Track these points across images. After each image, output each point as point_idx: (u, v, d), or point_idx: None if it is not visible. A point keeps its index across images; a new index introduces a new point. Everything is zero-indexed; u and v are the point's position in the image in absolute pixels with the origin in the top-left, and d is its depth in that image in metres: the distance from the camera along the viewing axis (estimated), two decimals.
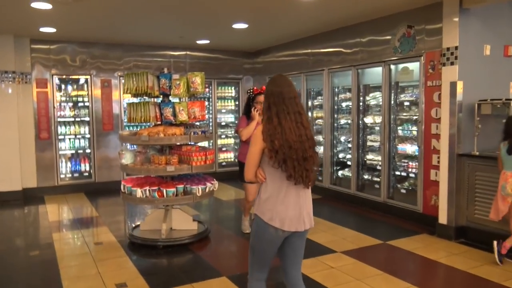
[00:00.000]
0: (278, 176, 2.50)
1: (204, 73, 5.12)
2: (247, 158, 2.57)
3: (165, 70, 5.18)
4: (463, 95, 5.09)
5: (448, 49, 5.15)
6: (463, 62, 5.06)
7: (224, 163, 9.97)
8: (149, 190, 4.86)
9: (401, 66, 6.16)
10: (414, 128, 6.18)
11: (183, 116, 4.97)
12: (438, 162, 5.50)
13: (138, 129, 5.41)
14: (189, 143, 4.99)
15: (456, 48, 5.04)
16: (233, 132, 10.11)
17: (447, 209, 5.23)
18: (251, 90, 5.14)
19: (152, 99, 5.31)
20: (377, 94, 6.87)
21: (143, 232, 5.25)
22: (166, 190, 4.83)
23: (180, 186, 4.94)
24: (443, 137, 5.24)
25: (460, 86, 5.06)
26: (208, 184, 5.14)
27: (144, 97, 5.28)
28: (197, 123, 5.36)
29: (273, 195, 2.50)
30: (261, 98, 4.74)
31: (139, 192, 4.84)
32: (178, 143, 4.94)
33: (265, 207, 2.52)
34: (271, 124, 2.45)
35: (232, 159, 10.11)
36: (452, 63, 5.10)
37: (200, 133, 5.01)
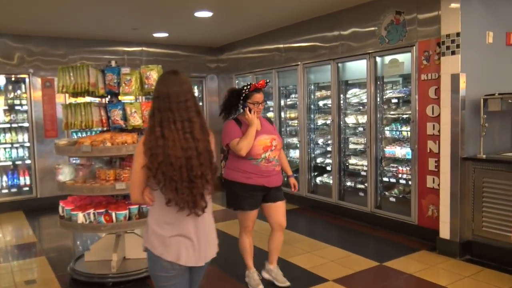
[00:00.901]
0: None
1: (161, 66, 4.17)
2: (131, 177, 2.27)
3: (113, 63, 4.19)
4: (467, 89, 4.39)
5: (447, 36, 4.44)
6: (465, 52, 4.37)
7: None
8: (93, 213, 3.85)
9: (388, 58, 5.42)
10: (404, 128, 5.47)
11: (136, 120, 4.00)
12: (436, 167, 4.80)
13: (80, 137, 4.38)
14: None
15: (458, 34, 4.34)
16: None
17: (449, 221, 4.52)
18: (248, 86, 3.55)
19: (97, 99, 4.31)
20: (361, 90, 6.13)
21: (88, 264, 4.23)
22: (115, 213, 3.84)
23: (134, 207, 3.97)
24: (444, 138, 4.53)
25: (463, 78, 4.36)
26: None
27: (87, 97, 4.27)
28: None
29: (163, 222, 2.10)
30: (260, 97, 3.57)
31: (80, 217, 3.83)
32: (130, 154, 3.96)
33: (154, 238, 2.11)
34: (153, 135, 2.02)
35: None
36: (453, 53, 4.39)
37: None
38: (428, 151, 4.89)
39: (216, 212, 6.31)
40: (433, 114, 4.81)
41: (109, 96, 4.20)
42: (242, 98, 3.59)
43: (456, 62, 4.36)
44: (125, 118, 4.01)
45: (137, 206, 3.97)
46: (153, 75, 4.03)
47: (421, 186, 5.02)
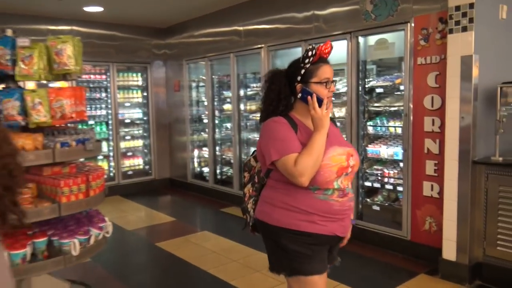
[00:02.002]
0: None
1: (80, 38, 2.94)
2: None
3: (8, 32, 2.90)
4: (479, 75, 3.51)
5: (457, 8, 3.52)
6: (478, 28, 3.48)
7: (130, 172, 7.69)
8: None
9: (375, 38, 4.47)
10: (392, 123, 4.56)
11: (40, 115, 2.76)
12: (436, 171, 3.92)
13: None
14: (54, 162, 2.79)
15: (472, 6, 3.43)
16: (141, 131, 7.86)
17: (456, 239, 3.65)
18: (313, 52, 1.96)
19: None
20: (337, 78, 5.15)
21: None
22: (9, 254, 2.60)
23: (41, 241, 2.75)
24: (450, 137, 3.64)
25: (476, 62, 3.47)
26: (94, 231, 2.99)
27: None
28: (70, 126, 3.15)
29: None
30: (331, 71, 2.03)
31: None
32: (32, 164, 2.72)
33: None
34: None
35: (141, 166, 7.87)
36: (464, 29, 3.49)
37: (74, 143, 2.84)
38: (426, 151, 4.00)
39: (161, 226, 5.17)
40: (432, 106, 3.92)
41: None
42: (299, 78, 1.99)
43: (468, 41, 3.46)
44: (24, 112, 2.76)
45: (44, 238, 2.75)
46: (67, 49, 2.80)
47: (416, 193, 4.13)
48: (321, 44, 1.98)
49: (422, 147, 4.03)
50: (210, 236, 5.07)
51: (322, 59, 2.00)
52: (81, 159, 3.61)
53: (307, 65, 1.96)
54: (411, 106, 4.09)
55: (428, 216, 4.03)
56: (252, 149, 6.24)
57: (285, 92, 2.02)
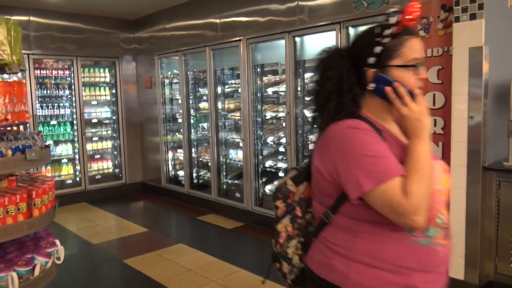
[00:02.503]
0: None
1: (16, 21, 2.37)
2: None
3: None
4: (490, 69, 3.10)
5: None
6: (489, 16, 3.06)
7: (98, 176, 7.07)
8: None
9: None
10: None
11: None
12: None
13: None
14: None
15: None
16: (110, 131, 7.24)
17: (464, 255, 3.24)
18: (394, 16, 1.26)
19: None
20: None
21: None
22: None
23: (25, 270, 2.19)
24: (457, 139, 3.21)
25: (486, 54, 3.05)
26: (40, 259, 2.43)
27: None
28: (7, 128, 2.57)
29: None
30: (419, 46, 1.32)
31: None
32: None
33: None
34: None
35: (111, 169, 7.25)
36: (473, 17, 3.06)
37: (10, 152, 2.26)
38: None
39: (131, 239, 4.58)
40: (434, 105, 3.49)
41: None
42: (372, 60, 1.32)
43: (478, 31, 3.04)
44: None
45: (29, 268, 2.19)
46: None
47: None
48: (407, 5, 1.26)
49: None
50: (186, 250, 4.54)
51: (408, 30, 1.30)
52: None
53: (386, 40, 1.29)
54: None
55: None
56: (233, 152, 5.74)
57: (349, 81, 1.32)
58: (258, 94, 5.31)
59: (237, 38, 5.24)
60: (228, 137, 5.95)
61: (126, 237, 5.04)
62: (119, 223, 5.70)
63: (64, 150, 6.76)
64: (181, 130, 6.50)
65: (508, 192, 3.08)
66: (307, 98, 4.89)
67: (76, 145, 6.76)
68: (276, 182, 5.29)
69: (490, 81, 3.12)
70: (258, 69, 5.30)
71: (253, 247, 4.74)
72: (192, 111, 6.44)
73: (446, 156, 3.42)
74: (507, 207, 3.09)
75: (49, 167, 6.57)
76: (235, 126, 6.01)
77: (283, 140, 5.07)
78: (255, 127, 5.29)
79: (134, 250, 4.59)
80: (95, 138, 7.06)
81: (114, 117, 7.23)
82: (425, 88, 3.45)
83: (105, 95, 7.16)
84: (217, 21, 5.57)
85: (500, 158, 3.23)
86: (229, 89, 6.00)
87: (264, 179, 5.44)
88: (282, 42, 4.72)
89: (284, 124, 5.03)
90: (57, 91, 6.64)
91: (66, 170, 6.76)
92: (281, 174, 5.20)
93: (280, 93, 5.17)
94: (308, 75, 4.91)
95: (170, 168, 6.98)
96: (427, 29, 3.49)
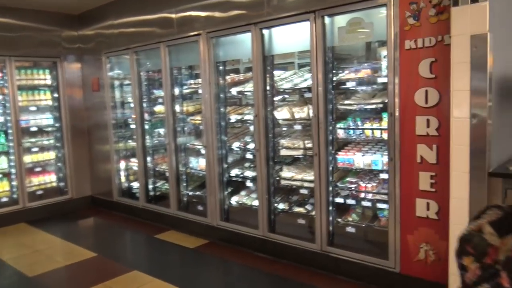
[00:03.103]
0: None
1: None
2: None
3: None
4: (494, 61, 2.69)
5: None
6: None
7: (40, 192, 6.22)
8: None
9: (346, 18, 3.54)
10: (369, 124, 3.67)
11: None
12: (433, 185, 3.09)
13: None
14: None
15: None
16: (53, 141, 6.41)
17: None
18: None
19: None
20: (299, 70, 4.22)
21: None
22: None
23: None
24: (458, 142, 2.77)
25: (491, 43, 2.64)
26: None
27: None
28: None
29: None
30: None
31: None
32: None
33: None
34: None
35: (54, 183, 6.42)
36: (474, 0, 2.65)
37: None
38: (419, 160, 3.14)
39: (77, 267, 3.88)
40: (427, 102, 3.06)
41: None
42: None
43: (481, 15, 2.61)
44: None
45: None
46: None
47: (406, 214, 3.26)
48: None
49: (413, 155, 3.17)
50: (143, 278, 3.87)
51: None
52: None
53: None
54: (398, 102, 3.21)
55: (424, 242, 3.18)
56: (193, 160, 5.13)
57: None
58: (221, 95, 4.73)
59: (196, 32, 4.64)
60: (188, 144, 5.33)
61: (71, 266, 4.30)
62: (64, 248, 4.92)
63: None
64: (135, 136, 5.79)
65: None
66: (276, 98, 4.39)
67: (12, 157, 5.90)
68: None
69: (494, 75, 2.71)
70: (221, 67, 4.72)
71: (220, 270, 4.15)
72: (146, 115, 5.75)
73: (442, 161, 3.00)
74: None
75: None
76: (195, 131, 5.40)
77: (250, 146, 4.52)
78: (218, 132, 4.71)
79: (79, 282, 3.88)
80: (35, 149, 6.21)
81: (57, 124, 6.40)
82: (416, 83, 3.02)
83: (46, 99, 6.32)
84: (173, 16, 4.94)
85: (503, 161, 2.84)
86: (187, 90, 5.38)
87: (230, 190, 4.86)
88: (247, 36, 4.17)
89: (251, 128, 4.48)
90: None
91: (1, 187, 5.87)
92: (249, 184, 4.65)
93: (245, 93, 4.62)
94: (278, 72, 4.40)
95: (123, 179, 6.23)
96: (417, 17, 3.06)
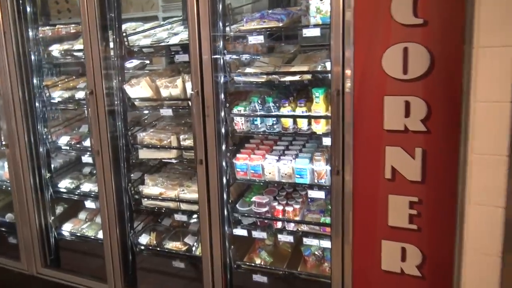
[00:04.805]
0: None
1: None
2: None
3: None
4: None
5: None
6: None
7: None
8: None
9: None
10: (289, 108, 2.17)
11: None
12: (413, 218, 1.76)
13: None
14: None
15: None
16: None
17: None
18: None
19: None
20: (169, 22, 2.54)
21: None
22: None
23: None
24: (481, 147, 1.44)
25: None
26: None
27: None
28: None
29: None
30: None
31: None
32: None
33: None
34: None
35: None
36: None
37: None
38: (388, 176, 1.76)
39: None
40: (406, 72, 1.66)
41: None
42: None
43: None
44: None
45: None
46: None
47: (363, 263, 1.91)
48: None
49: (378, 166, 1.77)
50: None
51: None
52: None
53: None
54: (350, 70, 1.76)
55: None
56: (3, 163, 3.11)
57: None
58: (33, 57, 2.78)
59: None
60: None
61: None
62: None
63: None
64: None
65: None
66: (128, 64, 2.65)
67: None
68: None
69: None
70: (29, 9, 2.74)
71: None
72: None
73: (431, 177, 1.68)
74: None
75: None
76: None
77: (88, 143, 2.71)
78: (30, 119, 2.78)
79: None
80: None
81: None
82: (385, 35, 1.61)
83: None
84: None
85: None
86: None
87: (58, 212, 3.00)
88: None
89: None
90: None
91: None
92: (89, 203, 2.84)
93: (76, 54, 2.76)
94: (130, 24, 2.65)
95: None
96: None
